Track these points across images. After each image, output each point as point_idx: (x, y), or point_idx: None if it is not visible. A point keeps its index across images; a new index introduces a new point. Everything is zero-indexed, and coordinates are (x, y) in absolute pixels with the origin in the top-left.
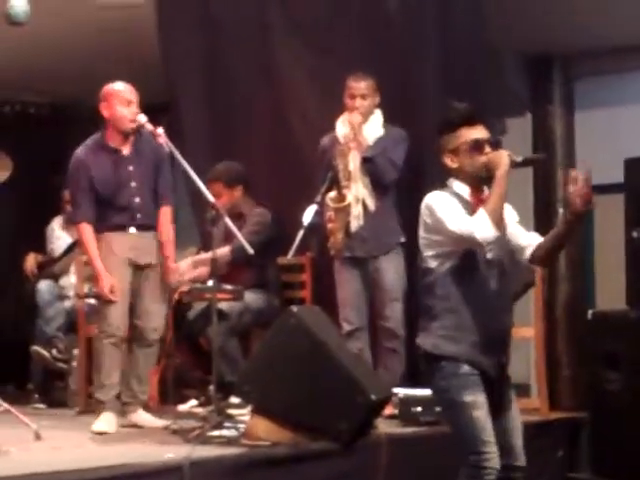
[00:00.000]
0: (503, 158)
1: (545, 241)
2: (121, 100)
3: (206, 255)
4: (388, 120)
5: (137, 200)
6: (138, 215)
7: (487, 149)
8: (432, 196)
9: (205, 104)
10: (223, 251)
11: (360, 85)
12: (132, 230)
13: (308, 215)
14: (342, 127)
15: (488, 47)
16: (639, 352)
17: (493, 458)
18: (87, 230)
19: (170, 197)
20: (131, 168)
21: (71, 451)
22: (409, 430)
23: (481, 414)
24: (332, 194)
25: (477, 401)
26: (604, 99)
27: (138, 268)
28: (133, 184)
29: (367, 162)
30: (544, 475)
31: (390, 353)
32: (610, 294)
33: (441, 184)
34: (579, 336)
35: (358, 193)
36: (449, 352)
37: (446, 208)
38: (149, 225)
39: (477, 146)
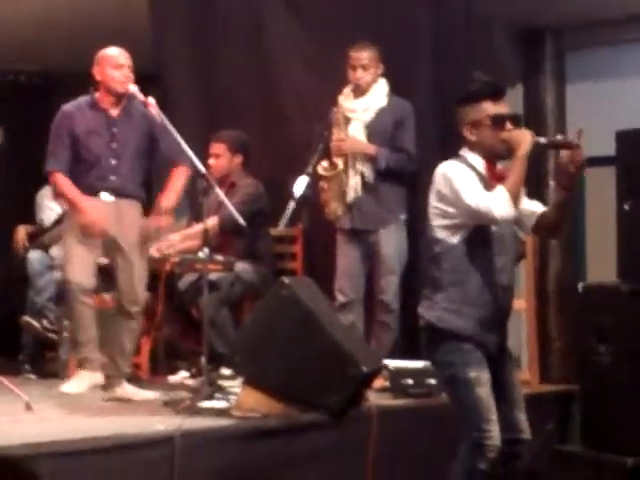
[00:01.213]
0: (526, 138)
1: (548, 211)
2: (113, 64)
3: (195, 228)
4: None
5: (113, 162)
6: (112, 177)
7: (508, 125)
8: (449, 166)
9: (195, 76)
10: (212, 221)
11: (361, 55)
12: (105, 196)
13: (299, 186)
14: (346, 99)
15: (480, 19)
16: (630, 325)
17: (495, 436)
18: (61, 177)
19: (180, 157)
20: (115, 130)
21: (62, 422)
22: (400, 402)
23: (484, 391)
24: (324, 163)
25: (481, 378)
26: (596, 71)
27: (114, 241)
28: (114, 145)
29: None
30: (534, 447)
31: (383, 326)
32: (601, 267)
33: (454, 154)
34: (570, 309)
35: (356, 165)
36: (453, 326)
37: (464, 180)
38: (126, 192)
39: (499, 121)
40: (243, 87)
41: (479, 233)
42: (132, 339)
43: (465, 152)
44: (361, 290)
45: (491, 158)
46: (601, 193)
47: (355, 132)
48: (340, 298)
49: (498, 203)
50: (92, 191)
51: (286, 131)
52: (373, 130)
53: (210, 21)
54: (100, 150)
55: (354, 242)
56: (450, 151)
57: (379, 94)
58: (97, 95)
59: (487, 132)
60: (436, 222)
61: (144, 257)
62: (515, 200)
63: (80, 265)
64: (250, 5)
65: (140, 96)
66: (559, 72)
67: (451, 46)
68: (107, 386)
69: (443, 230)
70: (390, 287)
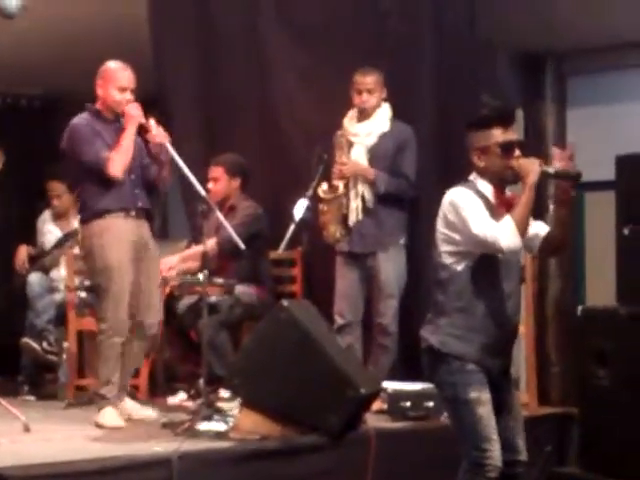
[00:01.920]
0: (534, 166)
1: (551, 231)
2: (116, 86)
3: (194, 249)
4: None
5: (133, 177)
6: (136, 191)
7: (517, 152)
8: (457, 193)
9: (195, 99)
10: (210, 243)
11: (366, 80)
12: (133, 214)
13: (299, 209)
14: (350, 122)
15: (481, 44)
16: (629, 349)
17: (496, 455)
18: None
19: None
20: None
21: (60, 443)
22: (398, 425)
23: (485, 411)
24: (324, 186)
25: (482, 398)
26: (596, 96)
27: (139, 259)
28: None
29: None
30: (533, 470)
31: (381, 349)
32: (600, 291)
33: (463, 180)
34: (569, 332)
35: (357, 188)
36: (456, 351)
37: (472, 209)
38: (146, 210)
39: (508, 149)
40: (243, 110)
41: (486, 260)
42: (141, 360)
43: (474, 178)
44: (360, 313)
45: (499, 185)
46: (600, 217)
47: (357, 156)
48: (339, 320)
49: (505, 234)
50: (126, 204)
51: (286, 153)
52: (375, 154)
53: (210, 42)
54: None
55: (353, 265)
56: (453, 177)
57: (382, 119)
58: (99, 107)
59: (496, 159)
60: (443, 248)
61: (158, 280)
62: (522, 230)
63: (123, 302)
64: (249, 25)
65: (142, 119)
66: (560, 97)
67: (455, 70)
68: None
69: (449, 256)
70: (389, 310)
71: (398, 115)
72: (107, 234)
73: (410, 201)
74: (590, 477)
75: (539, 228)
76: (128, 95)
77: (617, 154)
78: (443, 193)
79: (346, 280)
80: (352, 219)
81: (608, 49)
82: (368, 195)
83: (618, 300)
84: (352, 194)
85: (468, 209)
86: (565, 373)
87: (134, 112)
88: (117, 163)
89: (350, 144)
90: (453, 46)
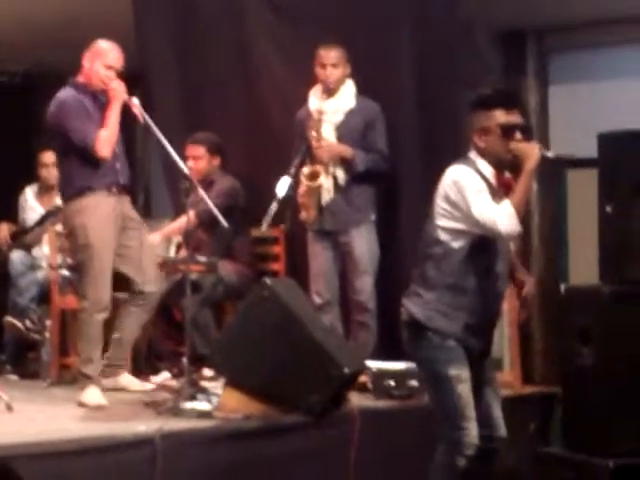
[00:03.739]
0: (534, 150)
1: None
2: (103, 62)
3: (175, 223)
4: (361, 92)
5: (116, 151)
6: (117, 165)
7: (518, 135)
8: (460, 171)
9: (177, 76)
10: (190, 214)
11: (330, 54)
12: (114, 190)
13: (282, 187)
14: (315, 99)
15: (461, 20)
16: (611, 327)
17: (472, 434)
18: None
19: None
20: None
21: (43, 423)
22: (382, 404)
23: (464, 388)
24: (306, 170)
25: (462, 375)
26: (578, 73)
27: (123, 230)
28: None
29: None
30: (516, 449)
31: (361, 326)
32: (583, 269)
33: (463, 157)
34: (552, 311)
35: (329, 168)
36: (441, 327)
37: (475, 190)
38: (128, 185)
39: (509, 131)
40: (225, 88)
41: (482, 240)
42: (138, 328)
43: (474, 156)
44: (336, 291)
45: (498, 167)
46: (583, 195)
47: (326, 134)
48: (317, 300)
49: (504, 218)
50: (107, 180)
51: (267, 129)
52: (343, 131)
53: (193, 22)
54: None
55: (325, 243)
56: (434, 152)
57: (348, 95)
58: (81, 79)
59: (496, 140)
60: (441, 222)
61: (149, 246)
62: (521, 215)
63: (108, 281)
64: (231, 5)
65: (125, 96)
66: (541, 73)
67: (435, 48)
68: (108, 374)
69: (446, 233)
70: (365, 287)
71: (376, 90)
72: (89, 212)
73: (384, 177)
74: (574, 456)
75: None
76: (112, 75)
77: (599, 131)
78: (425, 169)
79: (320, 259)
80: (325, 198)
81: (590, 25)
82: (340, 174)
83: (601, 278)
84: (324, 175)
85: (470, 190)
86: (548, 352)
87: (119, 88)
88: (105, 143)
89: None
90: (433, 24)
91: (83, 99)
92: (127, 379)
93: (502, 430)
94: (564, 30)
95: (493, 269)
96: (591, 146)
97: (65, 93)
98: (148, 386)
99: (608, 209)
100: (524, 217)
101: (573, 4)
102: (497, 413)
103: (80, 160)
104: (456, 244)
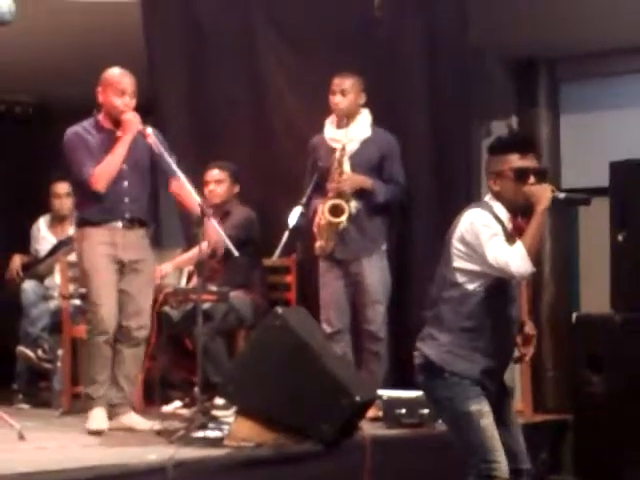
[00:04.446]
0: (546, 193)
1: None
2: (115, 90)
3: (188, 254)
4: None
5: (125, 184)
6: (125, 199)
7: (532, 179)
8: (477, 215)
9: (189, 107)
10: (203, 245)
11: (341, 81)
12: (118, 224)
13: (293, 217)
14: (330, 127)
15: (473, 50)
16: (623, 355)
17: (503, 467)
18: (97, 169)
19: (176, 172)
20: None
21: (54, 452)
22: (393, 432)
23: (488, 422)
24: (330, 203)
25: (483, 410)
26: (590, 102)
27: (123, 265)
28: (124, 167)
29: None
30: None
31: (372, 355)
32: (595, 297)
33: (478, 200)
34: (564, 339)
35: (350, 200)
36: (459, 370)
37: (490, 234)
38: (138, 219)
39: (522, 175)
40: (236, 118)
41: (499, 285)
42: (137, 366)
43: (490, 200)
44: (347, 320)
45: (512, 210)
46: (594, 224)
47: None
48: (327, 328)
49: (516, 260)
50: (109, 216)
51: (278, 158)
52: (357, 160)
53: (204, 51)
54: None
55: (336, 272)
56: (445, 181)
57: (363, 124)
58: (100, 116)
59: (509, 184)
60: (457, 264)
61: (150, 284)
62: (533, 255)
63: (109, 302)
64: (243, 31)
65: (139, 127)
66: (553, 103)
67: (446, 78)
68: (113, 414)
69: (463, 275)
70: (377, 317)
71: (389, 121)
72: (86, 241)
73: (397, 207)
74: None
75: None
76: (127, 99)
77: (611, 160)
78: (436, 198)
79: (330, 287)
80: (340, 228)
81: (601, 55)
82: (353, 203)
83: (612, 307)
84: (347, 210)
85: (486, 233)
86: (560, 380)
87: (131, 119)
88: (100, 177)
89: (332, 150)
90: (445, 53)
91: (90, 133)
92: (132, 419)
93: (527, 462)
94: (576, 60)
95: (509, 312)
96: (603, 175)
97: (73, 127)
98: (156, 426)
99: (620, 237)
100: (537, 256)
101: (585, 34)
102: (520, 446)
103: (84, 192)
104: (473, 286)
